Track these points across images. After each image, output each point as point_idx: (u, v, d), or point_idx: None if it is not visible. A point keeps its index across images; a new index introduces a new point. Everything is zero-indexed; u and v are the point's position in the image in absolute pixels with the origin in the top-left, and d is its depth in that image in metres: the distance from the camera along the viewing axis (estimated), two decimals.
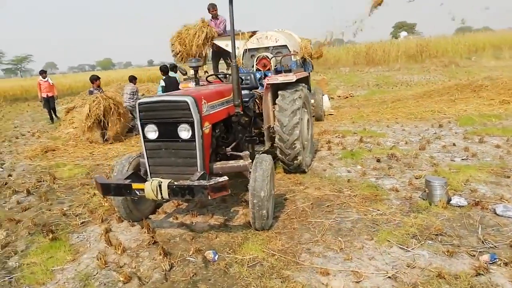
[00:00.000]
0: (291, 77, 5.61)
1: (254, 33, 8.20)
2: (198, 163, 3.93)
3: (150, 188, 3.63)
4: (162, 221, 4.62)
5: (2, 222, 4.94)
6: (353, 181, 5.39)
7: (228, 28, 8.65)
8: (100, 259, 3.72)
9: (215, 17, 8.85)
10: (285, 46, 7.78)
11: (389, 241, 3.68)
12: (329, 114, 10.93)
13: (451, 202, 4.33)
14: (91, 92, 10.07)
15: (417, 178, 5.24)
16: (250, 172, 4.16)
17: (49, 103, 14.11)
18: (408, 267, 3.24)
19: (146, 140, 4.03)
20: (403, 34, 54.52)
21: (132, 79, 10.65)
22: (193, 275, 3.38)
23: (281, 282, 3.18)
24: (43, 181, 6.60)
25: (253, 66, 7.67)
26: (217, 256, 3.66)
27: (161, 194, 3.63)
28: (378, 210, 4.40)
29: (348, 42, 33.56)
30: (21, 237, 4.50)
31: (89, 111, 9.27)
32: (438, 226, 3.79)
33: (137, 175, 4.18)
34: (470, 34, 39.98)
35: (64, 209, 5.23)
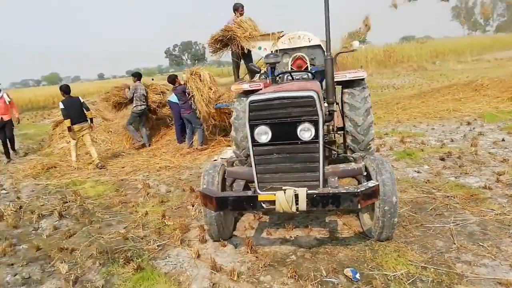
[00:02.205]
0: (362, 74, 5.23)
1: (280, 33, 7.77)
2: (321, 167, 3.39)
3: (284, 199, 3.06)
4: (257, 238, 4.01)
5: (50, 253, 4.09)
6: (434, 182, 5.07)
7: None
8: None
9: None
10: (319, 46, 7.40)
11: None
12: None
13: None
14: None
15: (500, 175, 5.01)
16: (363, 176, 3.72)
17: (4, 131, 9.10)
18: None
19: (255, 144, 3.43)
20: (356, 43, 55.91)
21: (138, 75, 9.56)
22: None
23: None
24: (69, 201, 5.68)
25: (286, 68, 7.20)
26: (358, 274, 3.14)
27: (297, 205, 3.07)
28: (493, 210, 4.09)
29: None
30: (89, 269, 3.71)
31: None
32: None
33: (247, 186, 3.58)
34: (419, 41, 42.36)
35: (121, 231, 4.45)
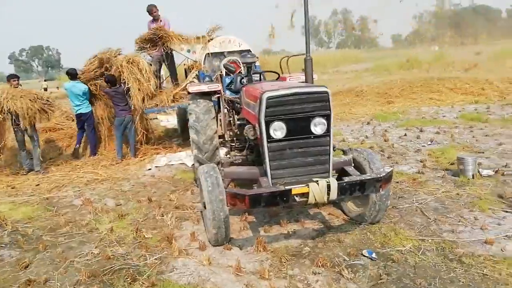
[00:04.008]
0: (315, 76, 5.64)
1: (210, 37, 7.78)
2: (331, 159, 3.62)
3: (318, 190, 3.19)
4: (258, 237, 3.97)
5: None
6: None
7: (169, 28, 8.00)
8: None
9: (156, 19, 8.05)
10: (248, 51, 7.64)
11: (490, 208, 4.22)
12: None
13: (482, 174, 5.18)
14: None
15: (422, 162, 6.00)
16: (351, 166, 4.09)
17: None
18: None
19: (270, 140, 3.47)
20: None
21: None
22: (387, 274, 3.14)
23: (470, 257, 3.29)
24: None
25: (217, 71, 7.21)
26: (374, 254, 3.47)
27: (328, 195, 3.23)
28: (438, 189, 4.91)
29: None
30: None
31: None
32: (507, 191, 4.53)
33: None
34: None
35: (94, 252, 3.90)
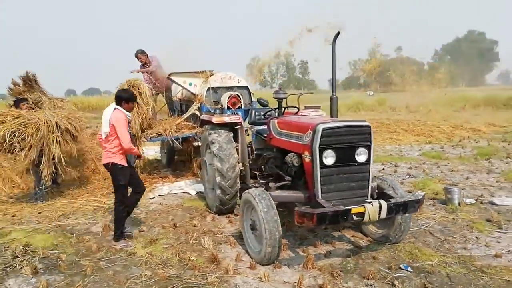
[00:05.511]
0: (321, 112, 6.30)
1: (211, 72, 8.22)
2: (370, 185, 4.19)
3: (373, 210, 3.70)
4: (300, 257, 4.34)
5: None
6: None
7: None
8: None
9: (145, 63, 8.52)
10: (246, 87, 8.20)
11: (487, 230, 5.00)
12: None
13: (466, 202, 6.05)
14: None
15: (410, 192, 6.80)
16: (375, 192, 4.68)
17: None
18: None
19: (322, 166, 3.97)
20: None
21: None
22: (430, 283, 3.68)
23: (489, 268, 3.96)
24: (21, 255, 4.49)
25: (221, 105, 7.64)
26: (409, 268, 4.02)
27: (379, 214, 3.76)
28: (435, 215, 5.66)
29: None
30: None
31: None
32: (494, 215, 5.38)
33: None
34: None
35: (148, 274, 4.01)
